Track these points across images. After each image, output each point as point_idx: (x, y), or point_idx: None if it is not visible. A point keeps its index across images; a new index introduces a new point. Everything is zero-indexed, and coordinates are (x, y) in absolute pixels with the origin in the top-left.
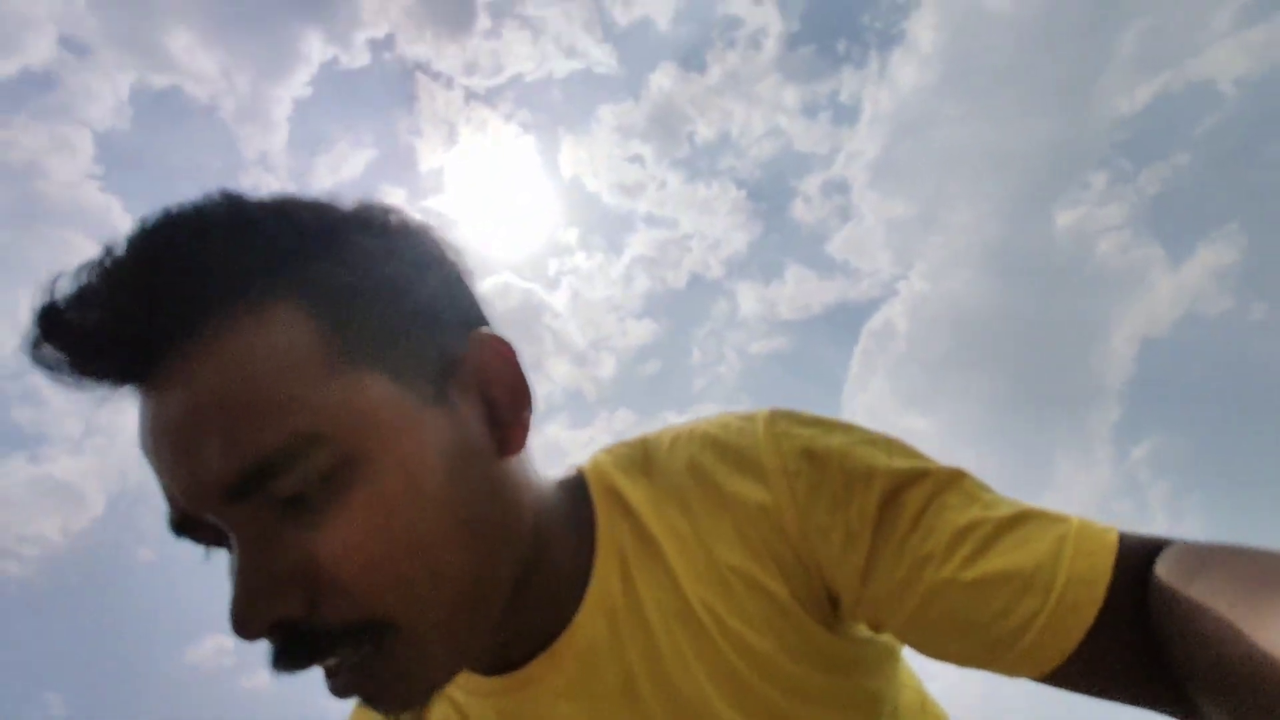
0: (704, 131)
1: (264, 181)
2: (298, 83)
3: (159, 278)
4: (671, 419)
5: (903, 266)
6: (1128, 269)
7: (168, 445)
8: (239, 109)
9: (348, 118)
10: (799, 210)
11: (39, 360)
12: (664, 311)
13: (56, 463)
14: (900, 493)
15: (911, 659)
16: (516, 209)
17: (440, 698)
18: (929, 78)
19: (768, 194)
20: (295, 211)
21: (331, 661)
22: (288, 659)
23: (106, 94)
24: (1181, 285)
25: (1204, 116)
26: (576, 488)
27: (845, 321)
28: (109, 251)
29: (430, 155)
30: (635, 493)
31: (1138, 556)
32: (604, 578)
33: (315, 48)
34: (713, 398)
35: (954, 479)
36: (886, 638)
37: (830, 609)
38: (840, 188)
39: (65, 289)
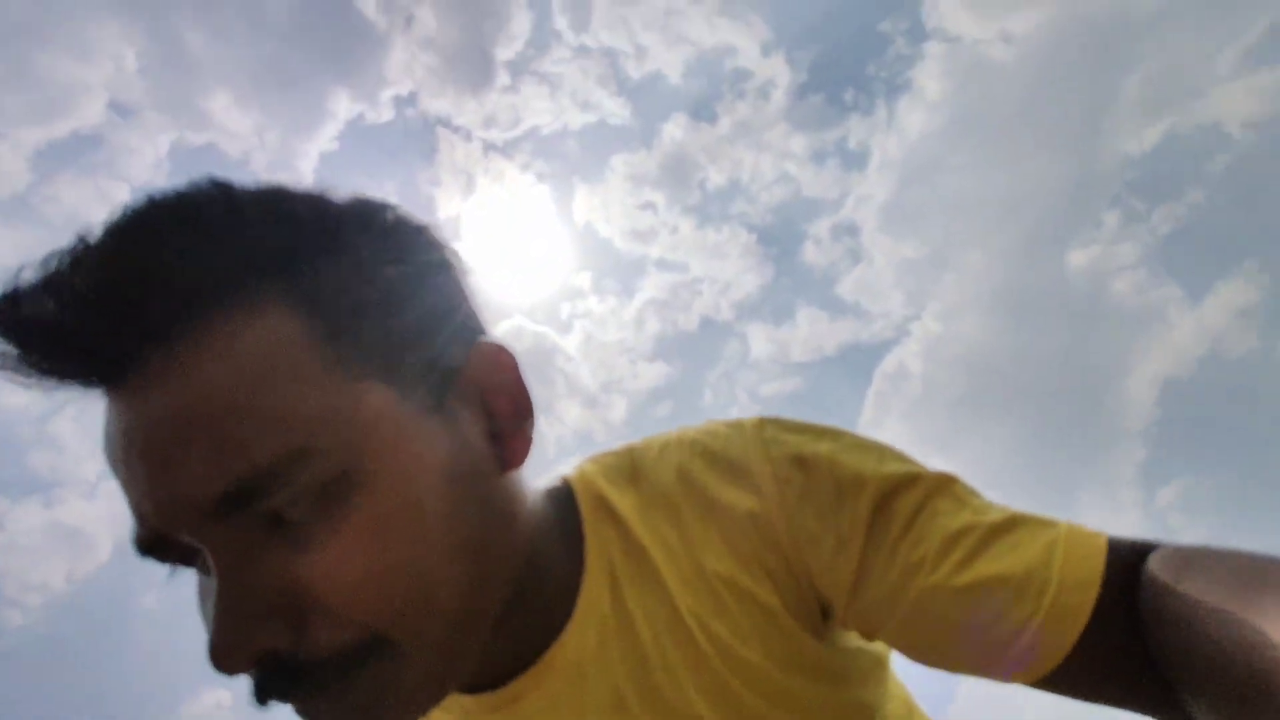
0: (715, 179)
1: None
2: (325, 137)
3: (138, 268)
4: None
5: (915, 308)
6: (1145, 308)
7: (141, 456)
8: (270, 164)
9: (371, 170)
10: (809, 253)
11: None
12: (676, 354)
13: (68, 506)
14: (891, 499)
15: (898, 665)
16: (530, 255)
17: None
18: (936, 124)
19: (778, 238)
20: (289, 205)
21: (315, 696)
22: (272, 692)
23: (147, 152)
24: (1202, 324)
25: (1214, 156)
26: (563, 498)
27: (858, 363)
28: (82, 238)
29: (449, 204)
30: (623, 502)
31: (1127, 560)
32: (593, 589)
33: (343, 105)
34: None
35: (944, 484)
36: (876, 646)
37: (821, 617)
38: (850, 231)
39: (29, 277)
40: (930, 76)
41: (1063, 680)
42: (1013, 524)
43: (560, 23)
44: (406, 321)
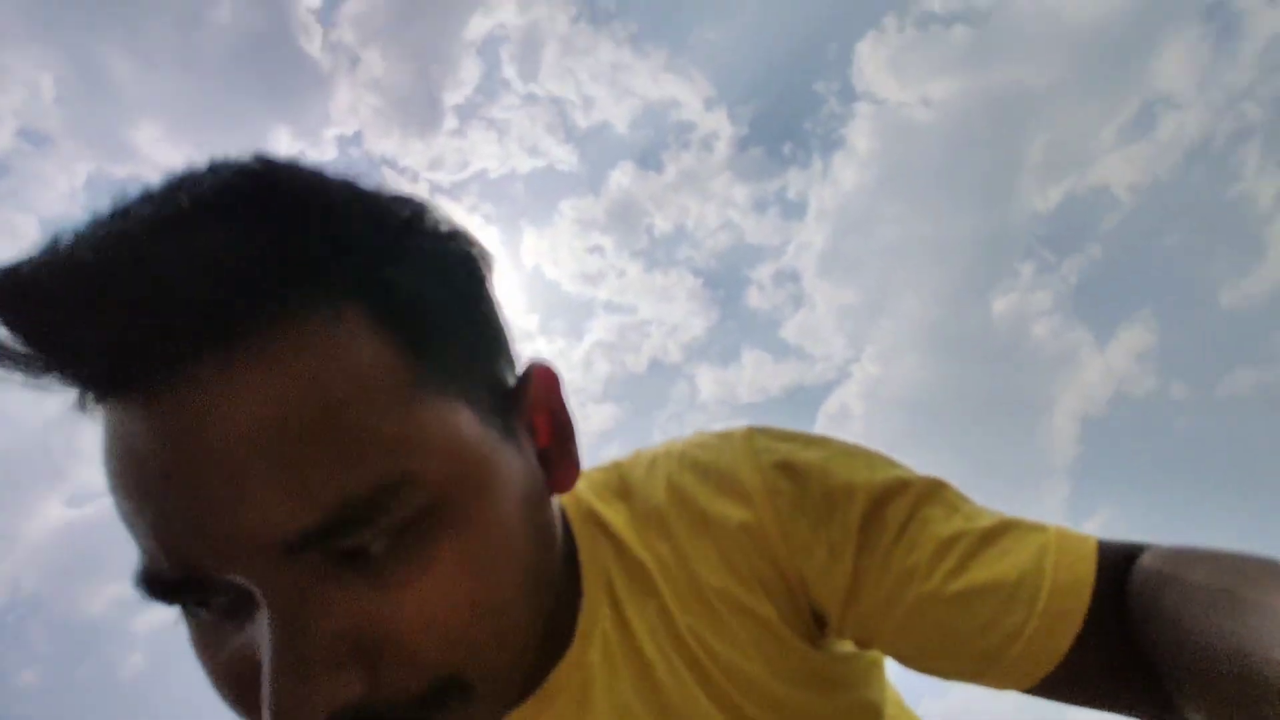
0: (661, 224)
1: None
2: None
3: (194, 251)
4: None
5: (854, 350)
6: (1060, 351)
7: (199, 482)
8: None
9: None
10: (753, 297)
11: None
12: (625, 395)
13: None
14: (882, 506)
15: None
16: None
17: None
18: (868, 178)
19: (723, 282)
20: (366, 196)
21: None
22: None
23: (61, 182)
24: (1109, 366)
25: (1107, 215)
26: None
27: (803, 402)
28: (124, 208)
29: None
30: (615, 517)
31: (1117, 562)
32: (593, 607)
33: (283, 142)
34: None
35: (934, 490)
36: (873, 650)
37: (816, 627)
38: (791, 277)
39: (42, 258)
40: (860, 134)
41: (1057, 685)
42: (1003, 529)
43: (509, 71)
44: (476, 334)
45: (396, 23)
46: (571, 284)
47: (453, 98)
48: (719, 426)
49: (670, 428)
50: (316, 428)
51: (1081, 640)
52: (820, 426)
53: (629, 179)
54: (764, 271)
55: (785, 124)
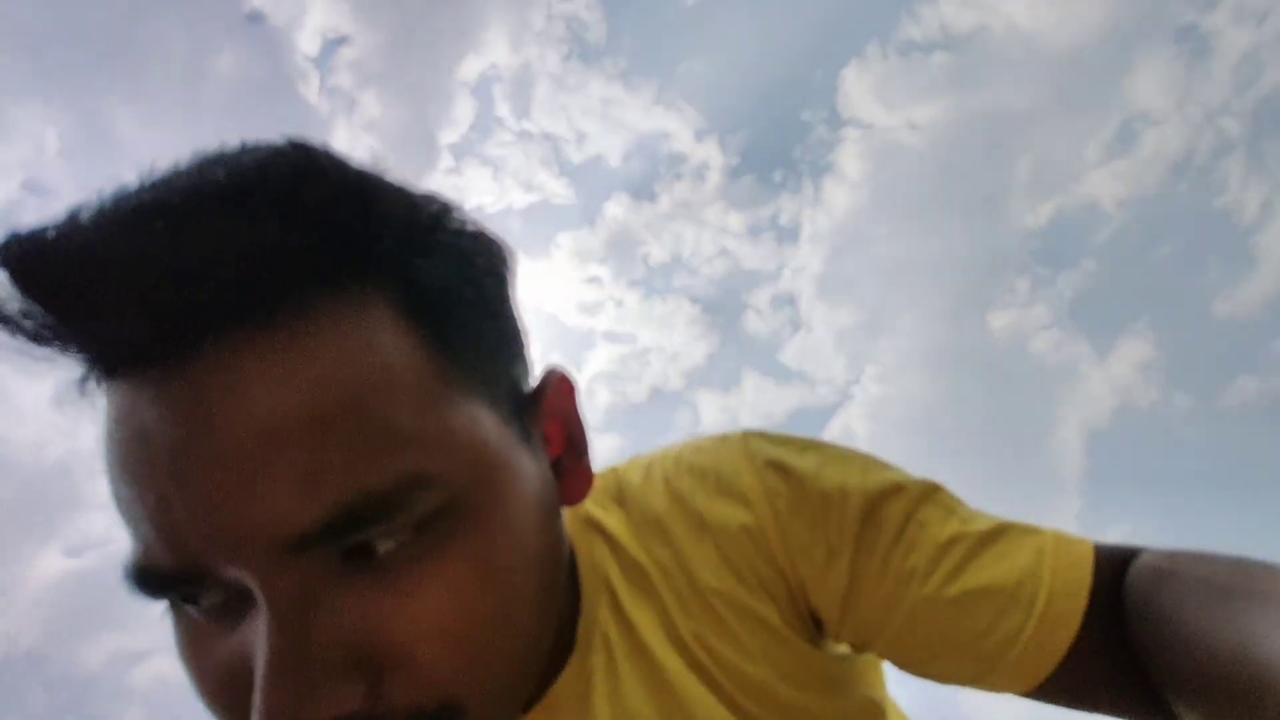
0: (657, 253)
1: None
2: None
3: (221, 228)
4: None
5: (855, 371)
6: (1061, 364)
7: (209, 467)
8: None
9: None
10: (752, 322)
11: None
12: (627, 425)
13: None
14: (878, 509)
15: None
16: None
17: None
18: (859, 200)
19: (721, 308)
20: (393, 187)
21: None
22: None
23: None
24: (1111, 379)
25: (1098, 230)
26: None
27: (806, 426)
28: (152, 183)
29: None
30: (613, 523)
31: (1113, 565)
32: (592, 613)
33: None
34: None
35: (930, 492)
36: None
37: (815, 629)
38: (789, 300)
39: (66, 222)
40: (850, 158)
41: (1055, 689)
42: (1000, 532)
43: (502, 110)
44: (499, 336)
45: (392, 66)
46: (570, 315)
47: (448, 136)
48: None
49: None
50: (338, 419)
51: (1079, 643)
52: None
53: (623, 210)
54: (761, 296)
55: (775, 151)
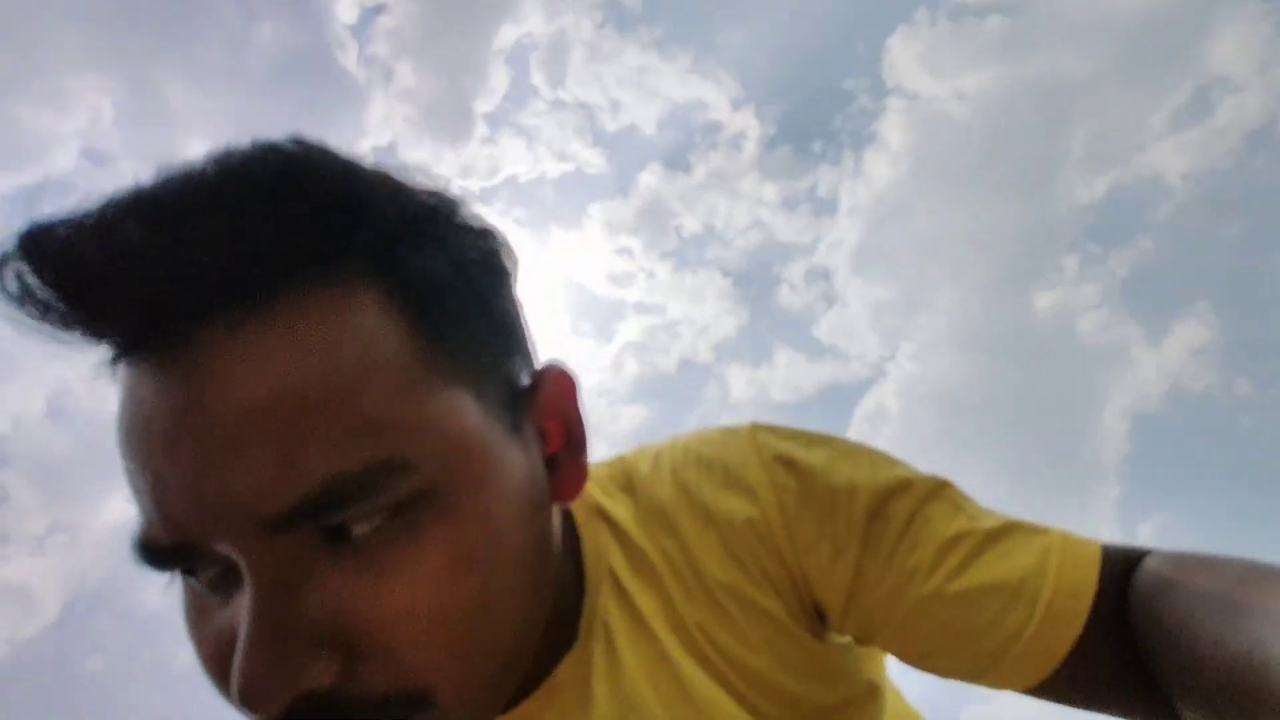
0: (690, 225)
1: None
2: None
3: (219, 214)
4: None
5: (890, 349)
6: (1109, 346)
7: (197, 446)
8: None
9: None
10: (785, 296)
11: (6, 287)
12: (655, 396)
13: (14, 564)
14: (886, 505)
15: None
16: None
17: None
18: (901, 172)
19: (754, 281)
20: (388, 179)
21: None
22: None
23: None
24: (1164, 362)
25: (1159, 205)
26: (559, 511)
27: (837, 403)
28: (163, 179)
29: None
30: (620, 512)
31: (1120, 567)
32: (595, 598)
33: None
34: None
35: (938, 489)
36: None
37: (818, 621)
38: (823, 274)
39: (77, 215)
40: (893, 129)
41: (1057, 687)
42: (1006, 530)
43: (537, 78)
44: (492, 328)
45: (428, 35)
46: (601, 286)
47: (483, 106)
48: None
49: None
50: (317, 401)
51: (1083, 642)
52: (856, 426)
53: (657, 180)
54: (795, 270)
55: (814, 121)
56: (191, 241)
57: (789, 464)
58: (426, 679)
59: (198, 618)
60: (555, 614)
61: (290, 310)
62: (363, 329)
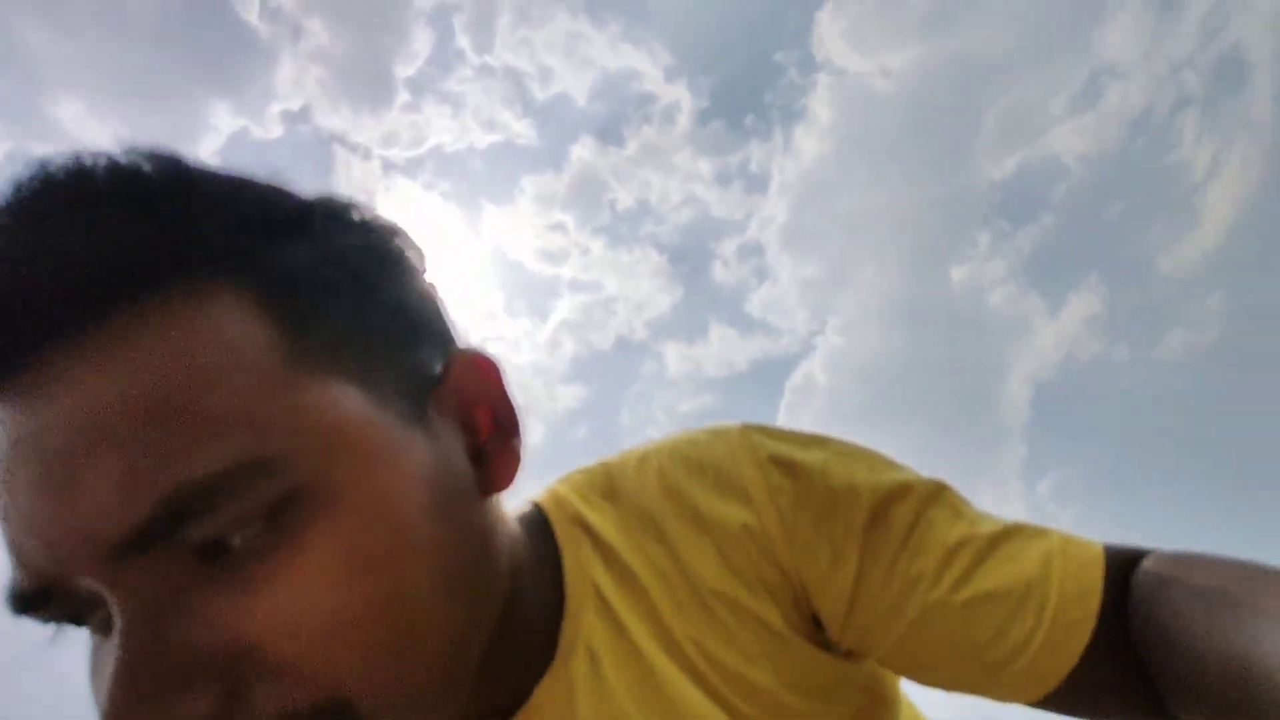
0: (624, 200)
1: None
2: (204, 152)
3: (47, 238)
4: None
5: (818, 323)
6: (1016, 318)
7: (33, 478)
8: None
9: None
10: (718, 272)
11: None
12: (592, 375)
13: None
14: (887, 509)
15: None
16: (437, 277)
17: None
18: (828, 149)
19: (688, 257)
20: (250, 185)
21: None
22: None
23: None
24: (1061, 332)
25: (1058, 184)
26: (534, 522)
27: (769, 377)
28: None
29: None
30: (603, 521)
31: (1121, 568)
32: (577, 617)
33: (224, 119)
34: None
35: (937, 492)
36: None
37: (818, 632)
38: (755, 251)
39: None
40: (821, 105)
41: (1066, 697)
42: (1007, 535)
43: (462, 42)
44: (382, 316)
45: None
46: (534, 262)
47: (404, 70)
48: (688, 403)
49: (639, 405)
50: (161, 409)
51: (1091, 649)
52: (786, 399)
53: (590, 153)
54: (728, 246)
55: (746, 95)
56: (19, 267)
57: (784, 465)
58: (338, 690)
59: (94, 669)
60: (535, 633)
61: (135, 322)
62: (217, 332)
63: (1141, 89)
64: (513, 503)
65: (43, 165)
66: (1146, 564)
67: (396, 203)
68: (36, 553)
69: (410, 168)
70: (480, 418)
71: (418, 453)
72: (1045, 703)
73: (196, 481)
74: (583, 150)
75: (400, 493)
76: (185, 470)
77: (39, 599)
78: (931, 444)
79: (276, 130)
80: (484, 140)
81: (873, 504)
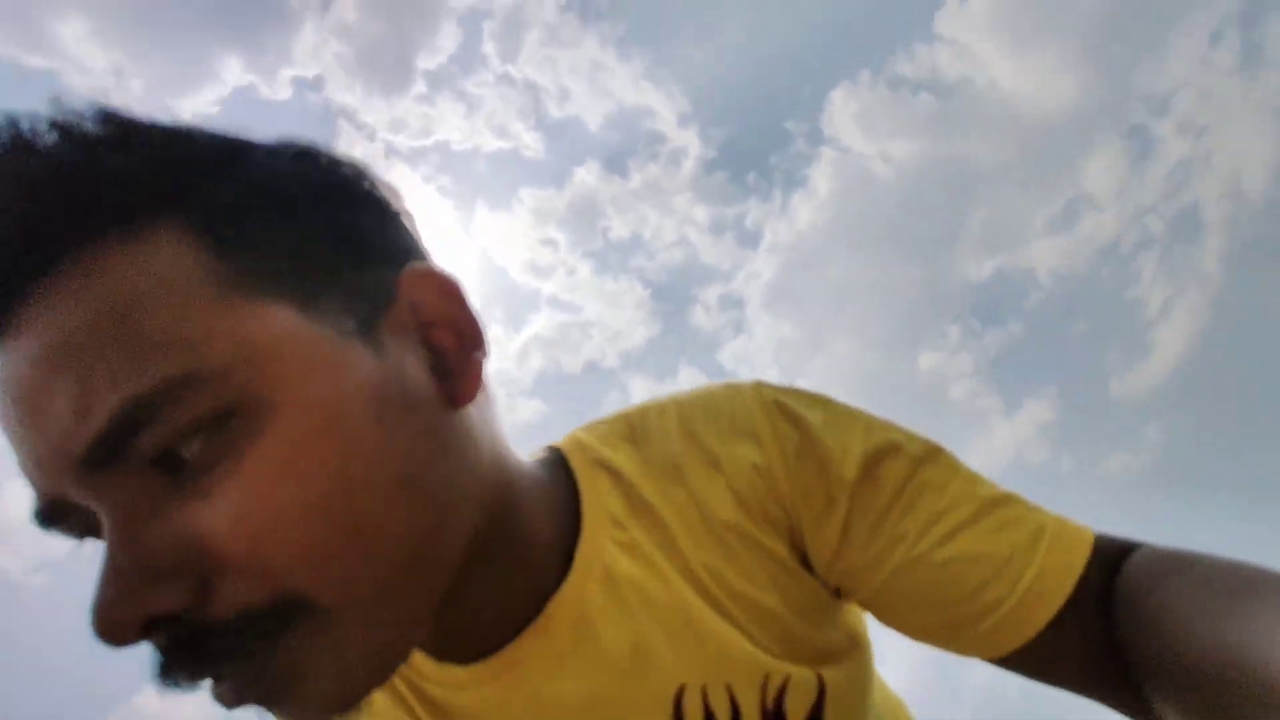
0: (618, 229)
1: None
2: (203, 100)
3: (7, 194)
4: None
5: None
6: (974, 414)
7: (15, 408)
8: (121, 106)
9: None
10: (698, 316)
11: None
12: (556, 394)
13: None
14: (876, 466)
15: None
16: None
17: (409, 696)
18: (822, 219)
19: (671, 297)
20: (188, 130)
21: (227, 669)
22: (177, 667)
23: None
24: (1014, 434)
25: (1029, 295)
26: (554, 463)
27: None
28: None
29: None
30: (623, 460)
31: (1109, 556)
32: (594, 542)
33: (233, 72)
34: None
35: (932, 454)
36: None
37: (809, 569)
38: (737, 303)
39: None
40: (823, 177)
41: (1024, 662)
42: (1003, 503)
43: (489, 47)
44: (321, 240)
45: None
46: (519, 273)
47: (426, 62)
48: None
49: None
50: (103, 339)
51: (1057, 624)
52: None
53: (593, 178)
54: (712, 293)
55: (753, 154)
56: None
57: (791, 417)
58: (295, 585)
59: None
60: (545, 553)
61: (85, 266)
62: (152, 266)
63: (1113, 222)
64: (529, 446)
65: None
66: (1138, 556)
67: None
68: (34, 474)
69: (413, 157)
70: (441, 334)
71: (361, 365)
72: (1003, 662)
73: (138, 396)
74: (587, 174)
75: (339, 400)
76: (129, 387)
77: (52, 514)
78: None
79: (285, 93)
80: (492, 145)
81: (865, 457)
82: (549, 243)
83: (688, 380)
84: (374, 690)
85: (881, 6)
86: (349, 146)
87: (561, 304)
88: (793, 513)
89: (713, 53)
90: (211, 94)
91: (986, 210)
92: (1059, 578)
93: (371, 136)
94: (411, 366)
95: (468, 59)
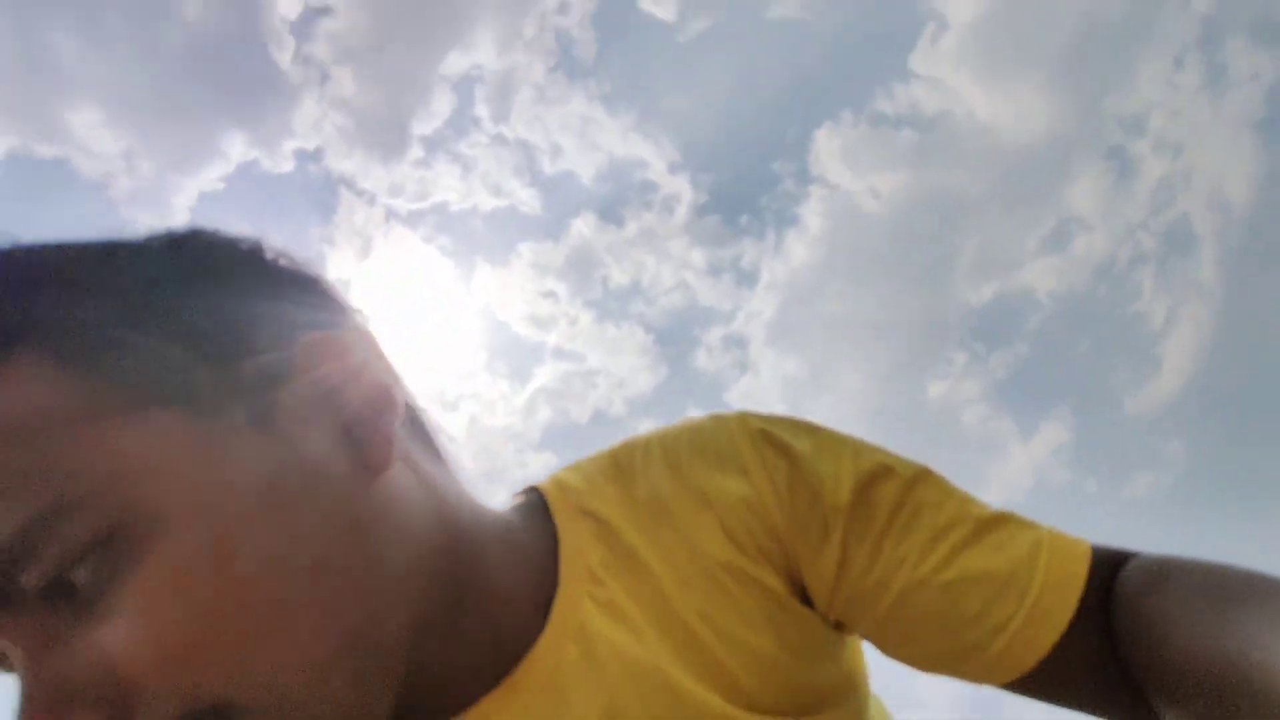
0: (617, 277)
1: None
2: (210, 177)
3: None
4: None
5: None
6: (987, 438)
7: None
8: (135, 191)
9: (258, 216)
10: (701, 359)
11: None
12: (564, 445)
13: None
14: (871, 487)
15: None
16: (422, 327)
17: None
18: (817, 256)
19: (673, 340)
20: (47, 248)
21: None
22: None
23: None
24: (1031, 457)
25: (1031, 316)
26: (532, 507)
27: None
28: None
29: (341, 263)
30: (605, 503)
31: (1107, 566)
32: (570, 599)
33: (237, 148)
34: None
35: (923, 475)
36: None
37: (807, 603)
38: (740, 343)
39: None
40: (813, 214)
41: (1037, 682)
42: (999, 521)
43: (481, 110)
44: (194, 334)
45: (374, 47)
46: (521, 326)
47: (421, 128)
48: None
49: None
50: None
51: (1065, 639)
52: None
53: (589, 229)
54: (714, 334)
55: (744, 196)
56: None
57: (778, 445)
58: (214, 692)
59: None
60: (518, 611)
61: None
62: (19, 399)
63: (1104, 241)
64: (511, 491)
65: None
66: (1134, 564)
67: (393, 250)
68: None
69: (412, 219)
70: (351, 403)
71: (253, 456)
72: (1014, 686)
73: (10, 535)
74: (583, 225)
75: (229, 499)
76: (3, 525)
77: None
78: None
79: (287, 165)
80: (489, 203)
81: (856, 485)
82: (549, 294)
83: None
84: None
85: (856, 50)
86: (350, 213)
87: (565, 354)
88: (787, 544)
89: (698, 102)
90: (217, 171)
91: (978, 236)
92: (1064, 591)
93: (372, 202)
94: (315, 445)
95: (461, 122)
